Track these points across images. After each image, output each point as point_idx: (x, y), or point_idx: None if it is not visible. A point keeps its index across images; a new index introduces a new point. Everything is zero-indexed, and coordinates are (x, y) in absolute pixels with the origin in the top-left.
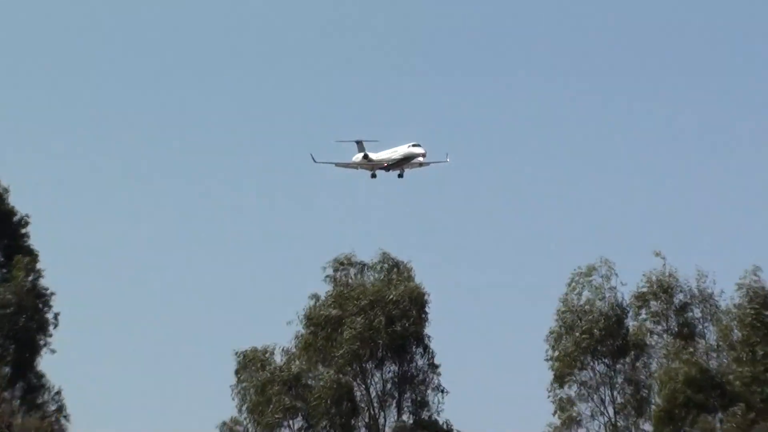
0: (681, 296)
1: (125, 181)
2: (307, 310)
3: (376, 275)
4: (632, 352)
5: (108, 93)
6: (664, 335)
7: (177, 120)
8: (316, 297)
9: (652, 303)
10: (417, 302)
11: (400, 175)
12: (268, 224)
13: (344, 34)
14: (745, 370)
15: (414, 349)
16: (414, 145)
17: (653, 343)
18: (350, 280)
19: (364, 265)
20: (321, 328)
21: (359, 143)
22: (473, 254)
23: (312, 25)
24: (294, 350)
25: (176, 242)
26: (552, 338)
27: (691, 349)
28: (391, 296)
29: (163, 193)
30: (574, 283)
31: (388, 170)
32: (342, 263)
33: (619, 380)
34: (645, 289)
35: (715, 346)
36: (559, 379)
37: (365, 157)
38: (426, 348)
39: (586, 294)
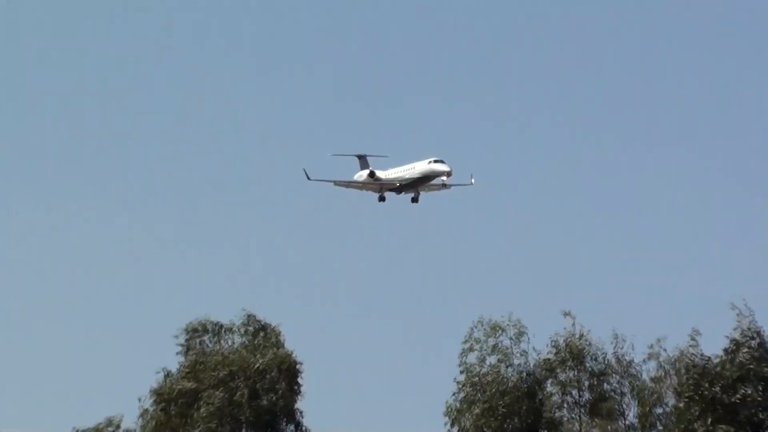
0: (595, 363)
1: None
2: (156, 384)
3: (239, 340)
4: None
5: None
6: (576, 409)
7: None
8: (166, 371)
9: (560, 372)
10: (287, 372)
11: (415, 199)
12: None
13: (347, 32)
14: None
15: (284, 426)
16: (436, 161)
17: (564, 419)
18: (206, 348)
19: (222, 327)
20: (173, 403)
21: (362, 158)
22: (358, 315)
23: (313, 22)
24: (139, 430)
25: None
26: (450, 415)
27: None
28: (257, 365)
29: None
30: (472, 342)
31: (401, 192)
32: (196, 330)
33: None
34: (551, 356)
35: (637, 424)
36: None
37: (371, 175)
38: (298, 425)
39: (489, 360)
